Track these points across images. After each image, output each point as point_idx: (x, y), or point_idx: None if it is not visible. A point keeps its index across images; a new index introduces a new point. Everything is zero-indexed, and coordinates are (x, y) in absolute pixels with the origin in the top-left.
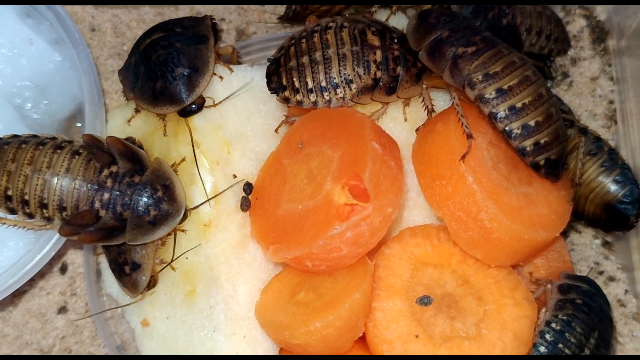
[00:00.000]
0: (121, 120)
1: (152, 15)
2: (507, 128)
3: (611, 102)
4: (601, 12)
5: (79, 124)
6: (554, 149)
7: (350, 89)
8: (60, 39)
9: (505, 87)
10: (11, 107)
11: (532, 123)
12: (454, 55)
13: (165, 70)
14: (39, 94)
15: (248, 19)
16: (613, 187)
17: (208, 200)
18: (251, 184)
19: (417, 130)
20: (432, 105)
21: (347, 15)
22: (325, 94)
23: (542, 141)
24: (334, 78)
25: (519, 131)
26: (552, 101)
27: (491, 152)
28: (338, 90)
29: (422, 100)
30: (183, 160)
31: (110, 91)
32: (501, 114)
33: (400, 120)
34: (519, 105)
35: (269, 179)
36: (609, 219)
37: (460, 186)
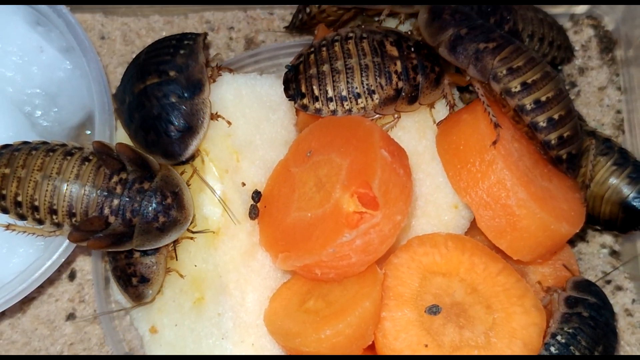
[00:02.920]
0: None
1: (161, 24)
2: (533, 121)
3: (619, 111)
4: (609, 22)
5: (89, 132)
6: (574, 143)
7: (373, 99)
8: (70, 47)
9: (529, 81)
10: (21, 115)
11: (556, 117)
12: (476, 50)
13: (158, 125)
14: (49, 101)
15: (257, 27)
16: (627, 184)
17: (225, 208)
18: (260, 192)
19: (437, 124)
20: (454, 100)
21: (362, 26)
22: (346, 103)
23: (565, 135)
24: (356, 88)
25: (544, 124)
26: (569, 98)
27: (515, 145)
28: (359, 100)
29: (445, 96)
30: (194, 173)
31: None
32: (527, 107)
33: (408, 129)
34: (543, 99)
35: (277, 187)
36: (626, 217)
37: (489, 172)
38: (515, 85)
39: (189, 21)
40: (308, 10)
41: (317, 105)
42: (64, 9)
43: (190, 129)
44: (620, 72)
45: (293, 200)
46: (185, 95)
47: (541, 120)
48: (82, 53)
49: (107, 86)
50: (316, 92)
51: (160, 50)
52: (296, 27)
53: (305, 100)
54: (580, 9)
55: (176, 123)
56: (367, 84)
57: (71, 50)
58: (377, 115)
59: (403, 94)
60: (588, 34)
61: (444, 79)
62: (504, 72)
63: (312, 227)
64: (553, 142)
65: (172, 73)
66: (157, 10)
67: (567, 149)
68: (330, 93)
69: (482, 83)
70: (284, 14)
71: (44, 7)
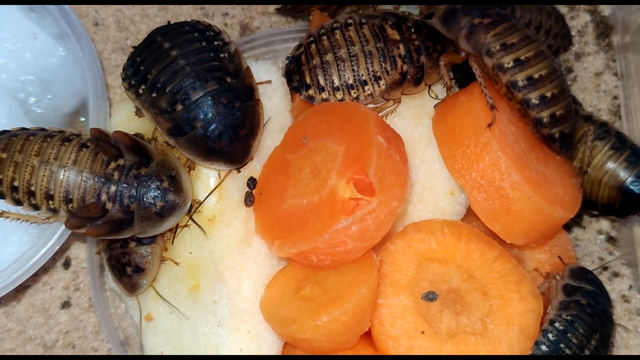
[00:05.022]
0: (125, 115)
1: (155, 10)
2: (525, 97)
3: (615, 97)
4: (605, 7)
5: (83, 119)
6: (567, 122)
7: (379, 85)
8: (64, 33)
9: (522, 57)
10: (15, 102)
11: (548, 95)
12: (470, 24)
13: (231, 132)
14: (43, 88)
15: (252, 13)
16: (625, 168)
17: (212, 191)
18: (255, 179)
19: (435, 106)
20: (451, 82)
21: (360, 11)
22: (353, 91)
23: (557, 113)
24: (362, 75)
25: (536, 101)
26: (564, 77)
27: (511, 128)
28: (366, 87)
29: (441, 77)
30: (188, 160)
31: (114, 86)
32: (520, 83)
33: (404, 115)
34: (536, 76)
35: (273, 173)
36: (624, 202)
37: (484, 154)
38: (508, 61)
39: (184, 7)
40: None
41: (324, 95)
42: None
43: (253, 132)
44: (617, 58)
45: (288, 187)
46: (245, 99)
47: (533, 97)
48: (76, 39)
49: (101, 73)
50: (322, 82)
51: (198, 52)
52: (288, 9)
53: (311, 91)
54: None
55: (245, 127)
56: (372, 71)
57: (65, 36)
58: (383, 101)
59: (409, 76)
60: (584, 19)
61: (440, 61)
62: (498, 47)
63: (308, 214)
64: (545, 120)
65: (229, 79)
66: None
67: (559, 127)
68: (337, 82)
69: (475, 58)
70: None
71: None
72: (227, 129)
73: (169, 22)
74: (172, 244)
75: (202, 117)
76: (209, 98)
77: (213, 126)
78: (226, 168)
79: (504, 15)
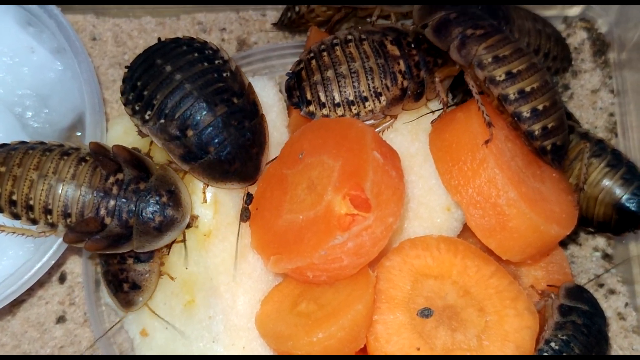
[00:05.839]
0: (121, 130)
1: (153, 25)
2: (516, 110)
3: (611, 114)
4: (602, 24)
5: (79, 133)
6: (559, 134)
7: (380, 102)
8: (61, 47)
9: (514, 70)
10: (12, 116)
11: (540, 107)
12: (462, 35)
13: (244, 153)
14: (40, 102)
15: (249, 29)
16: (621, 185)
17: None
18: (251, 194)
19: (432, 122)
20: (447, 97)
21: (359, 27)
22: (354, 107)
23: (549, 126)
24: (363, 91)
25: (528, 115)
26: (556, 90)
27: (508, 145)
28: (367, 104)
29: (437, 94)
30: (185, 174)
31: (111, 100)
32: (511, 96)
33: (401, 131)
34: (527, 89)
35: (269, 189)
36: (620, 219)
37: (480, 170)
38: (500, 74)
39: (181, 22)
40: (297, 9)
41: (325, 111)
42: (55, 9)
43: (262, 148)
44: (613, 75)
45: (285, 202)
46: (252, 117)
47: (525, 110)
48: (74, 54)
49: (98, 88)
50: (322, 98)
51: (202, 75)
52: (285, 25)
53: (311, 107)
54: (574, 11)
55: (256, 146)
56: (373, 87)
57: (62, 51)
58: (383, 117)
59: (409, 92)
60: (581, 36)
61: (435, 77)
62: (489, 59)
63: (304, 230)
64: (537, 132)
65: (235, 100)
66: (148, 12)
67: (551, 139)
68: (338, 98)
69: (467, 69)
70: (277, 15)
71: (35, 8)
72: (240, 151)
73: (159, 38)
74: (168, 254)
75: (215, 141)
76: (220, 122)
77: (227, 150)
78: (239, 187)
79: (497, 27)
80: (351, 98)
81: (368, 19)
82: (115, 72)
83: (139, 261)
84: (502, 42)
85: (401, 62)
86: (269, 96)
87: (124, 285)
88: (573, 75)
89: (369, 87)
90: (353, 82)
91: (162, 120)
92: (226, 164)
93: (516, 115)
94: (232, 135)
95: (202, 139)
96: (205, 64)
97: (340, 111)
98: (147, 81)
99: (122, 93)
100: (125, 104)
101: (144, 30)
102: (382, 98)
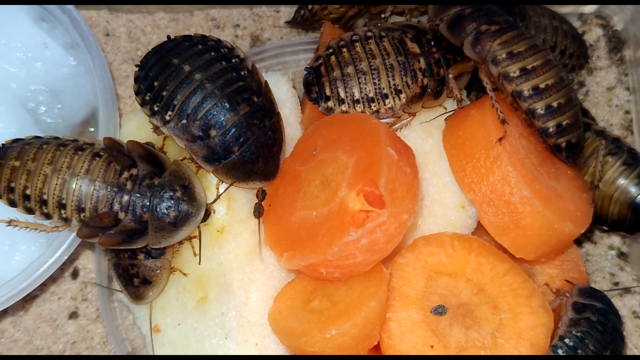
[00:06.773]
0: (135, 125)
1: (166, 21)
2: (530, 107)
3: (627, 112)
4: (618, 21)
5: (92, 129)
6: (574, 132)
7: (400, 99)
8: (75, 43)
9: (529, 67)
10: (25, 111)
11: (554, 104)
12: (477, 31)
13: (267, 152)
14: (53, 98)
15: (262, 25)
16: (637, 184)
17: (219, 196)
18: (265, 191)
19: (445, 119)
20: (461, 94)
21: (379, 24)
22: (373, 104)
23: (564, 123)
24: (383, 88)
25: (542, 112)
26: (572, 86)
27: (522, 142)
28: (387, 101)
29: (451, 90)
30: (199, 170)
31: (124, 96)
32: (525, 93)
33: (414, 128)
34: (542, 85)
35: (283, 185)
36: (635, 218)
37: (494, 168)
38: (514, 70)
39: (195, 18)
40: (310, 7)
41: (344, 107)
42: (68, 5)
43: (280, 146)
44: (629, 72)
45: (298, 199)
46: (271, 115)
47: (539, 107)
48: (87, 49)
49: (111, 83)
50: (342, 94)
51: (222, 74)
52: (298, 22)
53: (330, 103)
54: (589, 8)
55: (276, 144)
56: (394, 84)
57: (76, 46)
58: (402, 114)
59: (429, 90)
60: (597, 33)
61: (449, 73)
62: (504, 55)
63: (318, 226)
64: (551, 129)
65: (255, 99)
66: (162, 8)
67: (566, 137)
68: (357, 95)
69: (481, 65)
70: (290, 11)
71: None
72: (263, 150)
73: (168, 36)
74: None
75: (239, 141)
76: (243, 121)
77: (251, 150)
78: (260, 185)
79: (512, 23)
80: (371, 95)
81: (382, 15)
82: (128, 68)
83: (150, 257)
84: (517, 38)
85: (421, 59)
86: (282, 92)
87: (134, 280)
88: (588, 73)
89: (389, 84)
90: (374, 78)
91: (184, 121)
92: (250, 164)
93: (530, 112)
94: (255, 135)
95: (226, 139)
96: (224, 62)
97: (359, 107)
98: (165, 81)
99: (137, 93)
100: (142, 104)
101: (157, 26)
102: (402, 95)
